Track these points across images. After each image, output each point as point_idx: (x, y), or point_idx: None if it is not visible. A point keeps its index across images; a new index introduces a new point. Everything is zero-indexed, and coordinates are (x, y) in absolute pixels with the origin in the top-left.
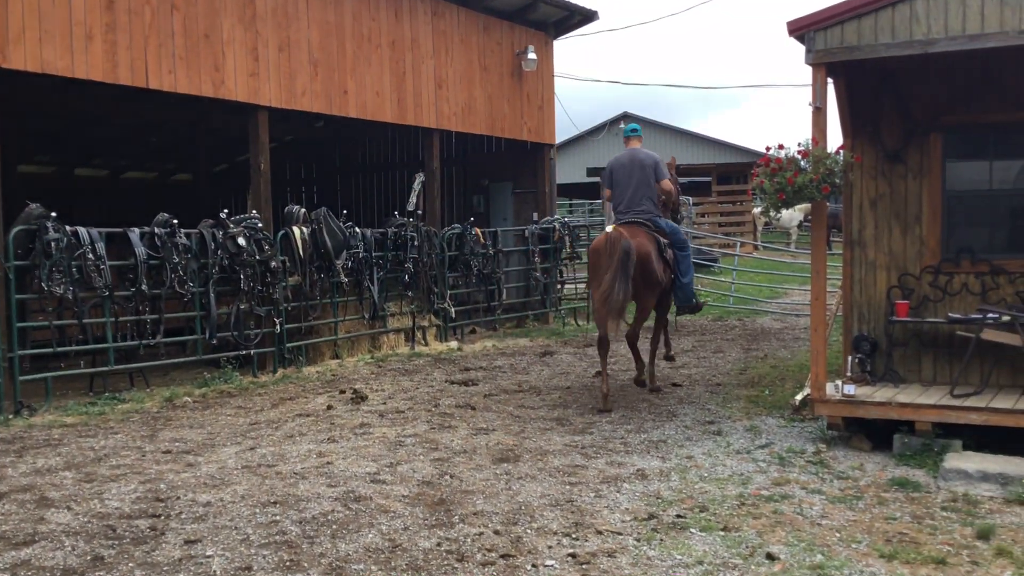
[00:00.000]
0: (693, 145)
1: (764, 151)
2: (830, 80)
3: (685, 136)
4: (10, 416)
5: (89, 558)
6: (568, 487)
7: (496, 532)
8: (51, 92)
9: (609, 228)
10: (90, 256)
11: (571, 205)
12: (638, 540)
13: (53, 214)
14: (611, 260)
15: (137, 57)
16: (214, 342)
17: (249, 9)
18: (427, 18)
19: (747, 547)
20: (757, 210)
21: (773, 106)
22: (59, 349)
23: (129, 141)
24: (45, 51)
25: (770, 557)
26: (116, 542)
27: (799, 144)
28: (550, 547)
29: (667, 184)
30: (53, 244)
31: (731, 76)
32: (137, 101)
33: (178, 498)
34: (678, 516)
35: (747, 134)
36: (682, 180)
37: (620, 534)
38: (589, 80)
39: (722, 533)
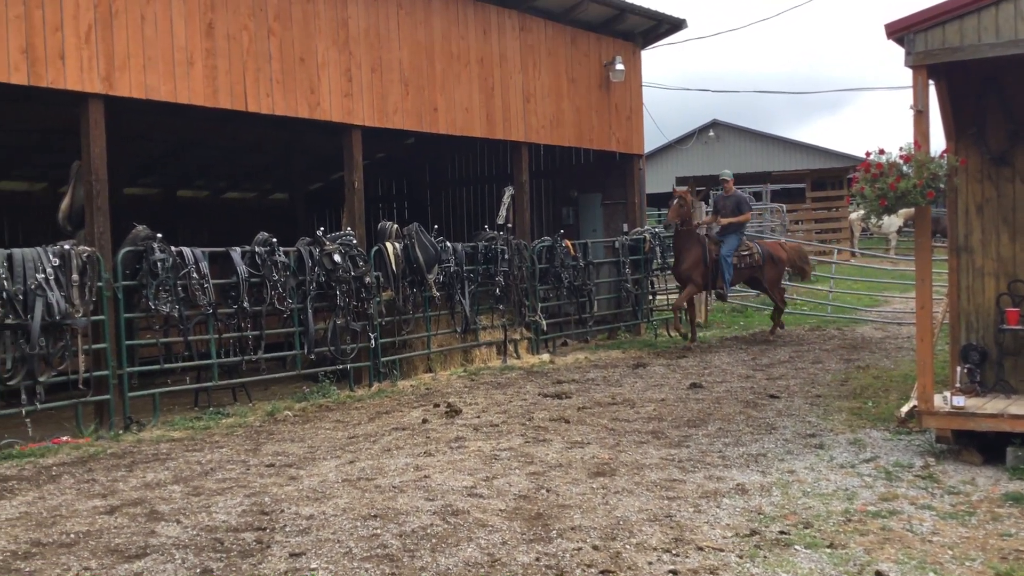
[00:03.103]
0: (785, 151)
1: (863, 156)
2: (931, 82)
3: (777, 142)
4: (120, 431)
5: (199, 571)
6: (666, 502)
7: (595, 547)
8: (154, 116)
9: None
10: (194, 275)
11: (660, 215)
12: (740, 557)
13: (159, 235)
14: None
15: (236, 81)
16: (312, 357)
17: (343, 32)
18: (515, 33)
19: (855, 565)
20: (855, 216)
21: (871, 111)
22: (166, 365)
23: (228, 162)
24: (149, 77)
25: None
26: (224, 555)
27: (900, 148)
28: (650, 563)
29: None
30: (159, 264)
31: (826, 81)
32: (235, 123)
33: (282, 511)
34: (781, 532)
35: (844, 139)
36: (774, 187)
37: (722, 551)
38: (678, 89)
39: (828, 550)
